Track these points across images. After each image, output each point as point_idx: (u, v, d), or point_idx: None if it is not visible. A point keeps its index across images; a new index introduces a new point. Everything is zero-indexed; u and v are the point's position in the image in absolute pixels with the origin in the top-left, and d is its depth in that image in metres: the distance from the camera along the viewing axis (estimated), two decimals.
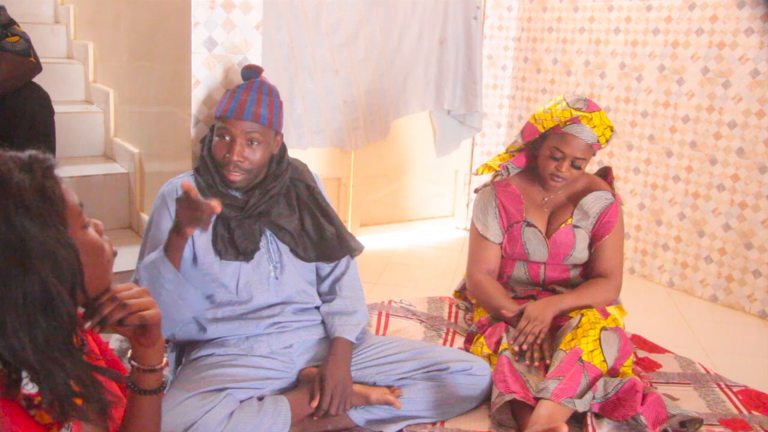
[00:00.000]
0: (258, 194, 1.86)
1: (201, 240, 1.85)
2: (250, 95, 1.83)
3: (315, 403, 1.78)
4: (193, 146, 2.20)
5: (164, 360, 1.15)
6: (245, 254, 1.86)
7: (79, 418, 0.93)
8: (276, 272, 1.92)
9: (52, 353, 0.88)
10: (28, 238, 0.85)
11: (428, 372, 1.91)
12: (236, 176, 1.82)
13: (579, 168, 2.18)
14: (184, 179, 1.90)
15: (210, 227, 1.85)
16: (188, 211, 1.57)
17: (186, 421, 1.59)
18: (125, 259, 2.21)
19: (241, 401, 1.71)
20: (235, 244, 1.85)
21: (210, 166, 1.86)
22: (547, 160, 2.20)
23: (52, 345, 0.88)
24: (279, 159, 1.93)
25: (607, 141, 2.21)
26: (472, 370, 1.93)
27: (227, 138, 1.81)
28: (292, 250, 1.94)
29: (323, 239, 1.97)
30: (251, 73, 1.91)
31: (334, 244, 1.99)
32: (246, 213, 1.85)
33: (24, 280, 0.85)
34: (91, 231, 1.00)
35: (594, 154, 2.24)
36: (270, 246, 1.92)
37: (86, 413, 0.93)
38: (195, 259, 1.86)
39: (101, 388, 0.94)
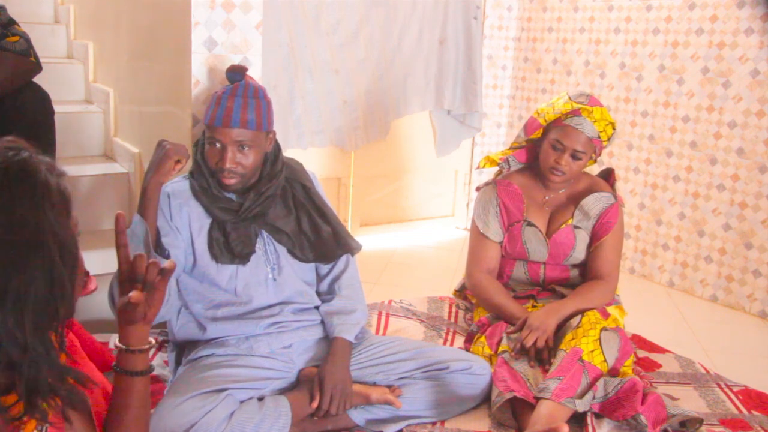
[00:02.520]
0: (253, 196, 1.86)
1: (199, 243, 1.86)
2: (236, 101, 1.79)
3: (315, 404, 1.78)
4: (193, 146, 2.20)
5: (152, 340, 1.20)
6: (241, 258, 1.86)
7: (38, 416, 0.94)
8: (274, 274, 1.91)
9: (44, 336, 0.92)
10: (45, 221, 0.93)
11: (428, 371, 1.91)
12: (231, 181, 1.82)
13: (579, 159, 2.18)
14: (180, 182, 1.91)
15: (205, 231, 1.86)
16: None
17: (186, 421, 1.59)
18: None
19: (241, 401, 1.71)
20: (231, 248, 1.85)
21: (204, 170, 1.86)
22: (548, 153, 2.21)
23: (44, 328, 0.92)
24: (273, 160, 1.92)
25: (609, 139, 2.22)
26: (472, 370, 1.93)
27: (218, 145, 1.80)
28: (290, 252, 1.94)
29: (320, 239, 1.97)
30: (236, 75, 1.89)
31: (332, 244, 1.98)
32: (241, 216, 1.85)
33: (34, 255, 0.91)
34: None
35: (596, 153, 2.24)
36: (267, 248, 1.92)
37: (46, 413, 0.94)
38: (195, 262, 1.87)
39: (72, 386, 0.97)
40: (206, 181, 1.85)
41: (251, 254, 1.88)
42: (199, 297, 1.89)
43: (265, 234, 1.92)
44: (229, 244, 1.85)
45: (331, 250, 1.99)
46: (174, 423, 1.57)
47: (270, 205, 1.90)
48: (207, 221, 1.87)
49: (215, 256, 1.85)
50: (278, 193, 1.92)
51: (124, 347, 1.18)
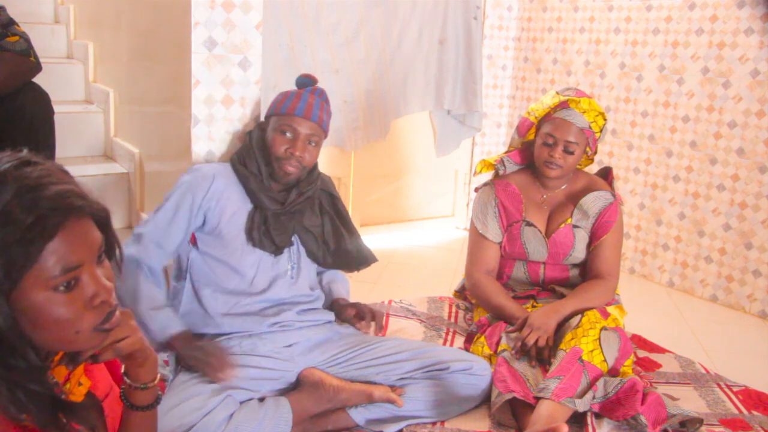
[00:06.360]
0: (295, 193, 1.96)
1: (232, 226, 1.90)
2: (316, 99, 1.97)
3: (366, 326, 2.02)
4: (194, 146, 2.20)
5: (158, 377, 1.11)
6: (278, 248, 1.95)
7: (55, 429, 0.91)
8: (293, 272, 2.00)
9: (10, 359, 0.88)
10: None
11: (428, 372, 1.91)
12: (293, 169, 1.92)
13: (572, 153, 2.19)
14: (218, 169, 1.95)
15: (246, 215, 1.93)
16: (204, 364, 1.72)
17: (185, 423, 1.58)
18: None
19: (241, 402, 1.71)
20: (271, 236, 1.93)
21: (259, 158, 1.94)
22: (541, 147, 2.23)
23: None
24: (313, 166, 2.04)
25: (601, 130, 2.23)
26: (473, 370, 1.93)
27: (289, 134, 1.91)
28: (312, 253, 2.04)
29: (340, 248, 2.08)
30: (308, 80, 2.03)
31: (353, 254, 2.11)
32: (286, 207, 1.94)
33: None
34: (64, 297, 0.90)
35: (590, 147, 2.24)
36: (292, 247, 2.00)
37: (64, 427, 0.91)
38: (220, 244, 1.91)
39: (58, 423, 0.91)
40: (258, 168, 1.94)
41: (287, 247, 1.97)
42: (208, 281, 1.91)
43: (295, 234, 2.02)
44: (270, 233, 1.93)
45: (351, 260, 2.12)
46: (173, 424, 1.57)
47: (308, 205, 2.01)
48: (245, 207, 1.93)
49: (253, 240, 1.91)
50: (315, 196, 2.04)
51: (130, 383, 1.08)
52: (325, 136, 2.01)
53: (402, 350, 1.96)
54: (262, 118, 2.10)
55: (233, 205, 1.92)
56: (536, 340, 2.04)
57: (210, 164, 2.03)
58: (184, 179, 1.93)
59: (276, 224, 1.94)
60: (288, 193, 1.96)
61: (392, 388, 1.89)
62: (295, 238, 2.01)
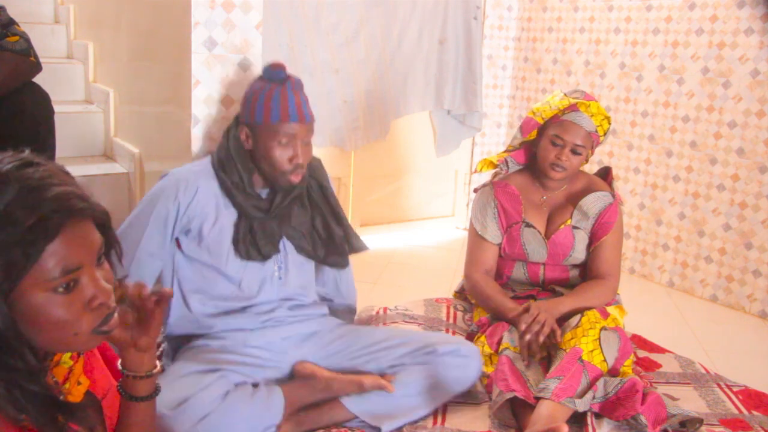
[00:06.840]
0: (280, 196, 1.90)
1: (214, 233, 1.85)
2: (300, 96, 1.83)
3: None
4: (193, 146, 2.20)
5: (158, 365, 1.12)
6: (265, 256, 1.90)
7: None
8: (280, 273, 1.95)
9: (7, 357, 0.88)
10: None
11: (418, 356, 1.92)
12: (299, 178, 1.86)
13: (579, 154, 2.19)
14: (199, 172, 1.89)
15: (232, 225, 1.87)
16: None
17: (180, 396, 1.59)
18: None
19: (235, 384, 1.73)
20: (257, 246, 1.87)
21: (239, 164, 1.85)
22: (547, 149, 2.21)
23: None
24: None
25: (605, 133, 2.23)
26: (460, 351, 1.94)
27: (285, 141, 1.81)
28: (303, 249, 1.98)
29: (331, 240, 2.03)
30: (281, 72, 1.84)
31: (342, 245, 2.05)
32: (271, 214, 1.89)
33: None
34: (63, 298, 0.90)
35: (593, 148, 2.24)
36: (279, 247, 1.96)
37: (63, 427, 0.91)
38: (201, 240, 1.86)
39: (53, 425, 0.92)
40: (239, 177, 1.86)
41: (274, 254, 1.92)
42: (196, 288, 1.90)
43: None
44: (256, 242, 1.87)
45: (341, 251, 2.05)
46: (168, 397, 1.55)
47: (295, 205, 1.95)
48: (229, 213, 1.87)
49: (240, 253, 1.86)
50: (303, 193, 1.97)
51: (124, 372, 1.10)
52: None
53: (391, 336, 1.98)
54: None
55: (216, 211, 1.87)
56: (542, 325, 2.03)
57: (189, 168, 1.93)
58: (160, 185, 1.86)
59: (263, 232, 1.88)
60: (273, 196, 1.90)
61: (383, 375, 1.90)
62: (282, 242, 1.95)
